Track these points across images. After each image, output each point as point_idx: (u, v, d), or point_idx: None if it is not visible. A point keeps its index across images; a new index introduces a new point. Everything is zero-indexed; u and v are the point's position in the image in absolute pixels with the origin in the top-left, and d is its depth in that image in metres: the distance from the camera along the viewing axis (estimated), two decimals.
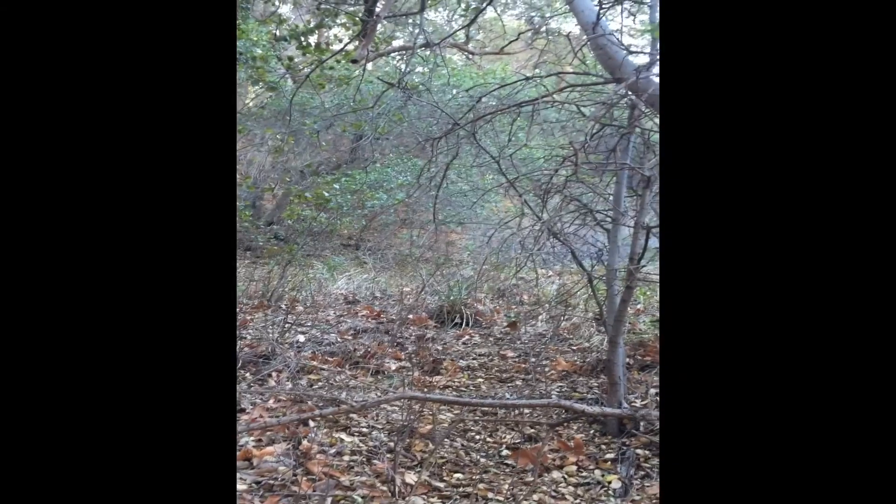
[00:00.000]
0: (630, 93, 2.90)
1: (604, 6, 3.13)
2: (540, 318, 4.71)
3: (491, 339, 4.46)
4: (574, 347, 4.10)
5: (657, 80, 2.72)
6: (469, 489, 2.26)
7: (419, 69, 6.67)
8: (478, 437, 2.76)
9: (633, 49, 3.20)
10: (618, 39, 3.05)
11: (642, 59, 2.96)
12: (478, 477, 2.37)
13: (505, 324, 4.75)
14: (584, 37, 3.19)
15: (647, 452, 2.51)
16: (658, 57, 2.85)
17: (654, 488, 2.23)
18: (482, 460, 2.51)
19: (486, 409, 2.95)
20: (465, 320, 4.74)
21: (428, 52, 6.48)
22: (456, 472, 2.40)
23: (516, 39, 5.85)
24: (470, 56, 8.57)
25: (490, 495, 2.22)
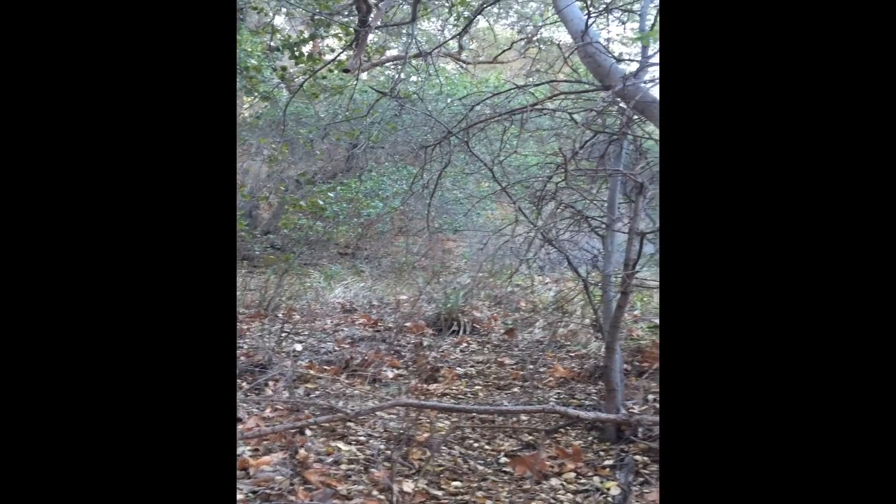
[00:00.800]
0: (619, 99, 2.93)
1: (592, 15, 3.16)
2: (537, 324, 4.71)
3: (488, 346, 4.47)
4: (571, 354, 4.11)
5: (645, 86, 2.75)
6: (467, 497, 2.26)
7: (413, 78, 6.70)
8: (476, 444, 2.76)
9: (621, 57, 3.24)
10: (606, 47, 3.08)
11: (632, 67, 2.99)
12: (476, 485, 2.37)
13: (502, 331, 4.75)
14: (575, 45, 3.22)
15: (645, 459, 2.52)
16: (646, 64, 2.88)
17: (653, 495, 2.24)
18: (480, 468, 2.51)
19: (483, 416, 2.96)
20: (462, 328, 4.74)
21: (421, 62, 6.51)
22: (454, 479, 2.41)
23: (509, 49, 5.88)
24: (463, 65, 8.61)
25: (488, 503, 2.22)
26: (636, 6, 3.51)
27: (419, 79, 6.57)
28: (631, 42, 3.66)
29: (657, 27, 3.14)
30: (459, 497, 2.28)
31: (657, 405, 2.96)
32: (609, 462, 2.52)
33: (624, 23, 3.85)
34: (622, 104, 3.03)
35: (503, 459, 2.60)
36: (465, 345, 4.48)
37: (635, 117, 3.02)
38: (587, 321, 4.48)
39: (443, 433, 2.81)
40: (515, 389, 3.52)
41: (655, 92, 2.80)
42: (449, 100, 6.12)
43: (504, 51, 5.34)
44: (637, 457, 2.52)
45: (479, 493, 2.29)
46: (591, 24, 3.09)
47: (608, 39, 3.69)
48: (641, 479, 2.36)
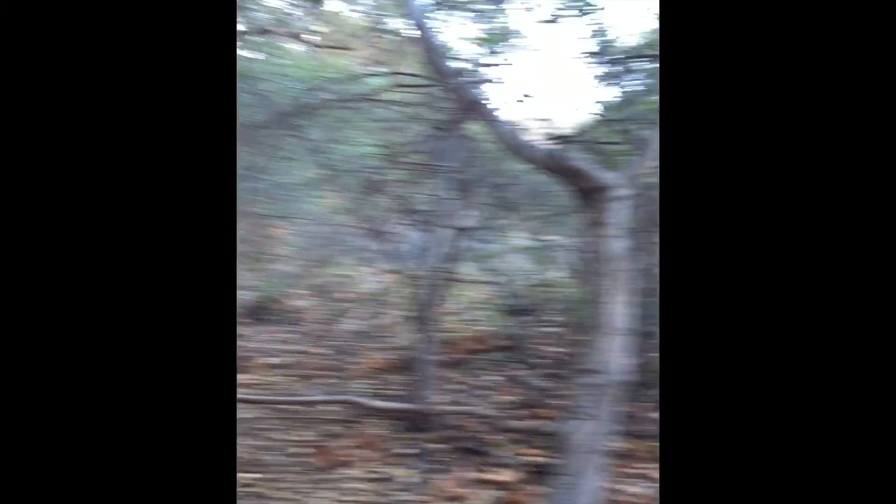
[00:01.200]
0: (453, 96, 2.97)
1: (435, 12, 3.19)
2: (356, 315, 4.66)
3: (305, 336, 4.34)
4: (387, 345, 4.10)
5: (476, 86, 2.82)
6: (262, 489, 2.16)
7: (251, 55, 6.35)
8: (275, 436, 2.64)
9: (458, 55, 3.30)
10: (445, 45, 3.12)
11: (467, 66, 3.05)
12: (272, 476, 2.26)
13: (321, 321, 4.65)
14: (416, 39, 3.22)
15: (440, 447, 2.56)
16: (479, 63, 2.96)
17: (446, 483, 2.27)
18: (278, 459, 2.41)
19: (284, 406, 2.86)
20: (280, 317, 4.57)
21: (262, 39, 6.19)
22: (250, 472, 2.28)
23: (356, 37, 5.79)
24: (310, 48, 8.36)
25: (285, 494, 2.13)
26: (478, 6, 3.58)
27: (258, 57, 6.24)
28: (473, 42, 3.76)
29: (503, 29, 3.25)
30: (253, 488, 2.16)
31: (458, 396, 3.05)
32: (406, 451, 2.52)
33: (466, 23, 3.93)
34: (455, 101, 3.08)
35: (302, 450, 2.51)
36: (281, 334, 4.32)
37: (466, 115, 3.08)
38: (404, 313, 4.51)
39: (243, 424, 2.66)
40: (331, 380, 3.44)
41: (485, 91, 2.88)
42: (288, 82, 5.88)
43: (350, 37, 5.23)
44: (433, 445, 2.55)
45: (276, 485, 2.19)
46: (433, 21, 3.11)
47: (456, 37, 3.76)
48: (435, 468, 2.40)
